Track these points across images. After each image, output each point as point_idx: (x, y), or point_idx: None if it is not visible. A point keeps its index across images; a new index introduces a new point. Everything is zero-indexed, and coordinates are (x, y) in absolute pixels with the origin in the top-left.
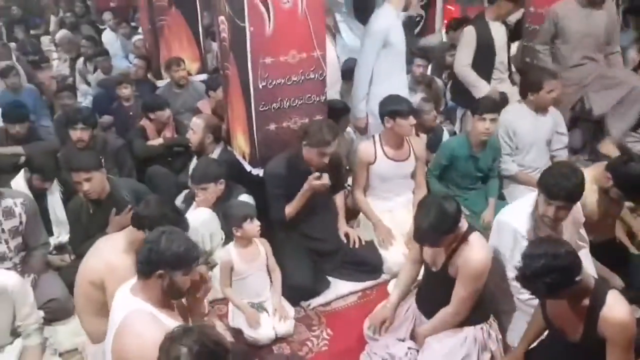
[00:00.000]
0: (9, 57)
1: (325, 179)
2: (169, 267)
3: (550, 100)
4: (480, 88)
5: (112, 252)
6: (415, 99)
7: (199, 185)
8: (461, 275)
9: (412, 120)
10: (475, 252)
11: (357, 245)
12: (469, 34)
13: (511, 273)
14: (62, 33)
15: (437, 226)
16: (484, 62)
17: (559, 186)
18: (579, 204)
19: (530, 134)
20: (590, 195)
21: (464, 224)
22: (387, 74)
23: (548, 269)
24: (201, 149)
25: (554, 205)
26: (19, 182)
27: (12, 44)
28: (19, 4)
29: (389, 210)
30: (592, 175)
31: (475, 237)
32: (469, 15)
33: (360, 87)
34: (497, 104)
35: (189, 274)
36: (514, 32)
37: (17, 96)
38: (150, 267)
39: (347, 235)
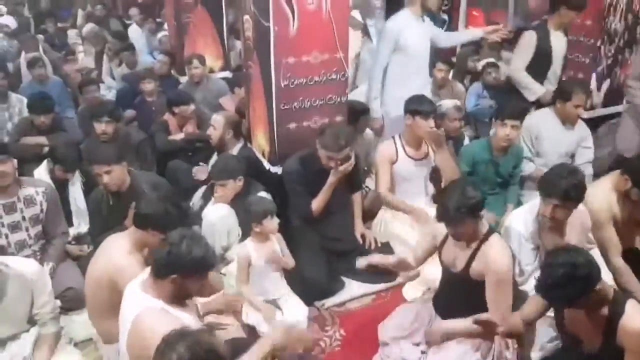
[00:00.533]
0: (36, 49)
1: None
2: (184, 273)
3: (576, 114)
4: (535, 90)
5: (118, 253)
6: (447, 104)
7: (218, 181)
8: (490, 281)
9: (431, 122)
10: (497, 252)
11: (373, 247)
12: (529, 38)
13: (518, 278)
14: (89, 27)
15: (461, 205)
16: (537, 70)
17: (554, 184)
18: (582, 207)
19: (552, 141)
20: (614, 206)
21: (485, 224)
22: (402, 76)
23: (568, 278)
24: (221, 145)
25: (551, 204)
26: (41, 172)
27: (40, 36)
28: None
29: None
30: (611, 182)
31: (496, 238)
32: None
33: (372, 87)
34: (520, 110)
35: (201, 280)
36: None
37: (43, 87)
38: (166, 270)
39: (363, 236)
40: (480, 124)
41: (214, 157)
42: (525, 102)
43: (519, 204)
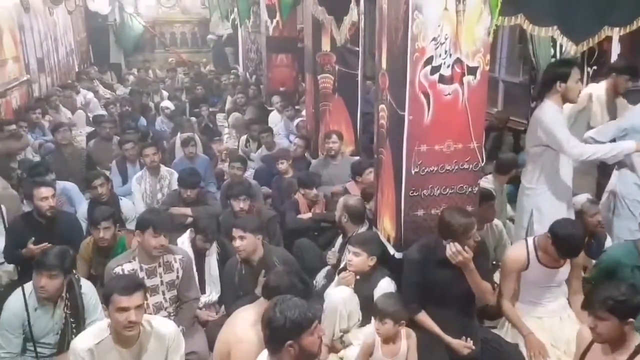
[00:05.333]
0: (190, 130)
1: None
2: (292, 336)
3: None
4: None
5: (241, 325)
6: (579, 199)
7: (356, 246)
8: None
9: None
10: None
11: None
12: None
13: None
14: (234, 115)
15: (610, 297)
16: None
17: None
18: None
19: None
20: None
21: (637, 337)
22: (554, 169)
23: None
24: (340, 227)
25: None
26: (184, 240)
27: (193, 119)
28: (203, 85)
29: (538, 317)
30: None
31: None
32: None
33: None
34: None
35: (314, 333)
36: None
37: (192, 164)
38: (277, 343)
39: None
40: None
41: (339, 239)
42: None
43: None
